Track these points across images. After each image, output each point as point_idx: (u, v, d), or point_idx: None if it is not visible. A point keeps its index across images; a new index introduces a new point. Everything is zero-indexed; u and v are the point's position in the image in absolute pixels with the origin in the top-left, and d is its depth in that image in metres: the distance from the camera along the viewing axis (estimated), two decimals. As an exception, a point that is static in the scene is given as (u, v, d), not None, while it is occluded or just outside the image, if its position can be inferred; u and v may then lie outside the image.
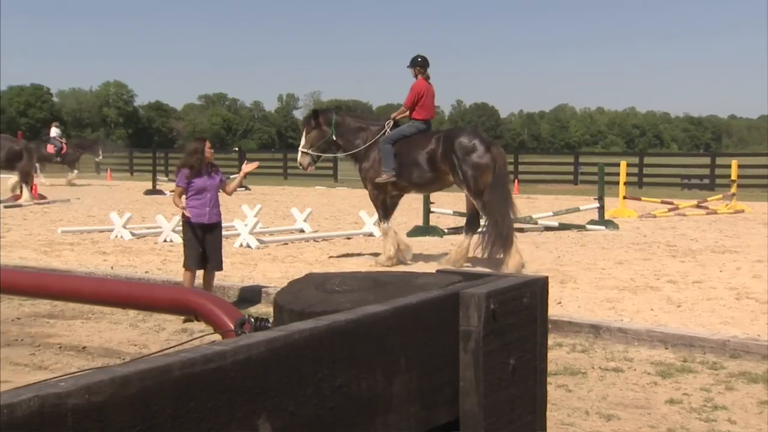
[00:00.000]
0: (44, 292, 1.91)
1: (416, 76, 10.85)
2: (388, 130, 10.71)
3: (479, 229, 10.35)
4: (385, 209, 10.87)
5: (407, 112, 10.89)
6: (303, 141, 11.19)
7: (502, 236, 9.76)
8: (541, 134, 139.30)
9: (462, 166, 10.01)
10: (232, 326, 1.66)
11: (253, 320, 1.64)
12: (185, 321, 7.49)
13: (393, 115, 11.06)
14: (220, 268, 8.37)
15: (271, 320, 1.63)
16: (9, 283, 1.84)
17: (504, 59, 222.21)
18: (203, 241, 8.11)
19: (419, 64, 10.84)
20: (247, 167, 9.30)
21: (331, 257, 11.33)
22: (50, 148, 29.15)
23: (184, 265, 8.25)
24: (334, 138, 11.02)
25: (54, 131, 29.94)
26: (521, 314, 1.65)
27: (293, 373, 1.11)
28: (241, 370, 1.03)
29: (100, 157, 31.68)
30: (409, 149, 10.43)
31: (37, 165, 29.99)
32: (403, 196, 11.29)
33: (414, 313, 1.41)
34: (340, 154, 11.66)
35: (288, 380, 1.11)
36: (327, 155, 12.44)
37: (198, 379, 0.98)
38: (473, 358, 1.52)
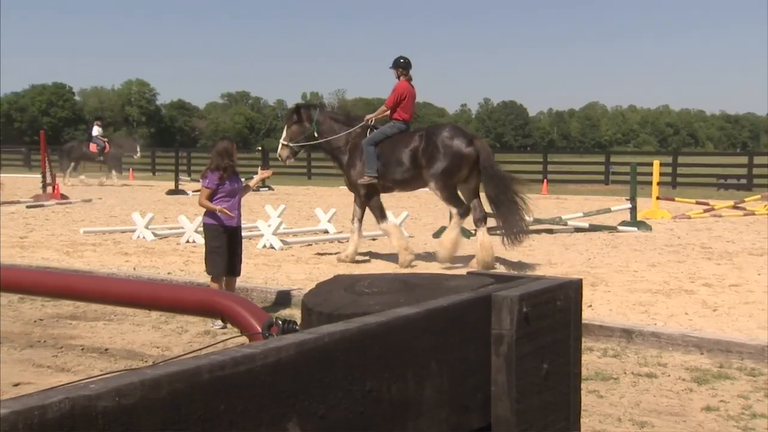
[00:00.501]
0: (69, 292, 1.93)
1: (398, 77, 11.13)
2: (368, 130, 11.02)
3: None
4: (381, 209, 11.14)
5: (387, 113, 11.15)
6: (284, 134, 11.64)
7: (514, 229, 10.03)
8: (570, 133, 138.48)
9: (439, 159, 10.30)
10: (259, 329, 1.67)
11: (280, 323, 1.65)
12: (223, 326, 7.45)
13: (369, 116, 11.29)
14: (240, 273, 8.24)
15: (298, 323, 1.64)
16: (34, 284, 1.87)
17: (533, 56, 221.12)
18: (229, 246, 7.92)
19: (402, 66, 11.10)
20: (262, 173, 9.31)
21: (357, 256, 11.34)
22: (93, 147, 29.44)
23: (210, 273, 7.93)
24: (315, 135, 11.33)
25: (96, 130, 30.21)
26: (554, 318, 1.64)
27: (323, 377, 1.11)
28: (271, 373, 1.03)
29: (138, 155, 32.04)
30: (392, 149, 10.71)
31: (74, 164, 30.41)
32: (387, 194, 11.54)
33: (445, 316, 1.41)
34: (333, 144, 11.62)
35: (318, 384, 1.11)
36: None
37: (227, 382, 0.98)
38: (505, 362, 1.51)
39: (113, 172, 30.38)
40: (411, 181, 10.85)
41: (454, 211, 10.62)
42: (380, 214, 11.04)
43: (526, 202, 10.27)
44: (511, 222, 10.04)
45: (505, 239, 10.15)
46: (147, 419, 0.89)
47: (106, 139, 30.05)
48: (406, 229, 14.27)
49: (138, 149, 31.72)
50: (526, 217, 10.31)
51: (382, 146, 10.74)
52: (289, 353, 1.07)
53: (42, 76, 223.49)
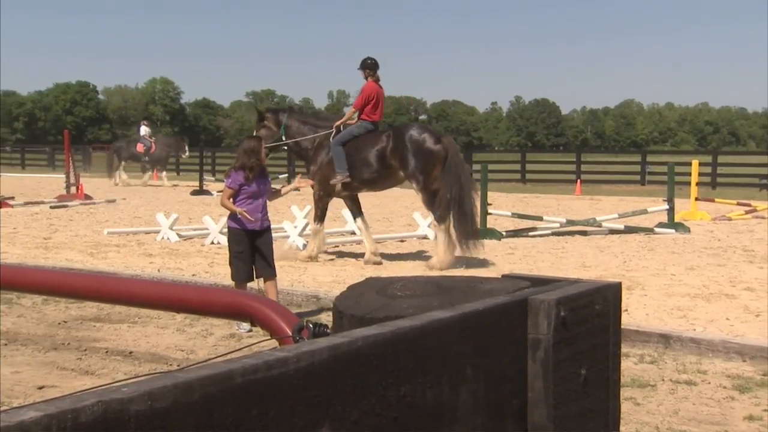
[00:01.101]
0: (96, 294, 1.95)
1: (366, 78, 11.37)
2: (335, 132, 11.27)
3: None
4: (324, 211, 11.43)
5: (356, 115, 11.40)
6: None
7: (467, 231, 10.24)
8: (605, 132, 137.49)
9: (412, 158, 10.54)
10: (289, 332, 1.68)
11: (311, 326, 1.65)
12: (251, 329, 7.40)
13: (338, 123, 11.46)
14: (275, 274, 7.98)
15: (329, 326, 1.64)
16: (63, 285, 1.89)
17: (566, 52, 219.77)
18: (254, 250, 7.72)
19: (369, 67, 11.39)
20: (300, 183, 9.27)
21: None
22: (140, 147, 29.72)
23: (234, 278, 7.80)
24: (284, 139, 11.60)
25: (143, 130, 30.48)
26: (593, 322, 1.63)
27: (357, 382, 1.12)
28: (304, 378, 1.04)
29: (186, 155, 32.37)
30: (360, 149, 10.94)
31: (124, 164, 30.78)
32: (355, 195, 11.72)
33: (480, 320, 1.41)
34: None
35: (351, 388, 1.11)
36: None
37: (260, 386, 0.99)
38: (542, 367, 1.50)
39: (164, 174, 30.56)
40: (379, 181, 11.12)
41: (431, 214, 10.93)
42: (320, 215, 11.38)
43: (475, 217, 10.63)
44: (466, 227, 10.28)
45: (461, 243, 10.33)
46: (179, 423, 0.90)
47: (153, 139, 30.24)
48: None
49: (186, 149, 32.03)
50: (474, 230, 10.56)
51: (349, 146, 10.99)
52: (322, 357, 1.07)
53: (66, 75, 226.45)
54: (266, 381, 0.99)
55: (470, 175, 11.04)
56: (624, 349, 6.81)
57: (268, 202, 8.02)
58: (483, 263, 10.96)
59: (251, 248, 7.70)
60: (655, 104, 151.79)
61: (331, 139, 11.15)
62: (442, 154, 10.43)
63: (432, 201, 10.59)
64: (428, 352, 1.27)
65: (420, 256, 11.91)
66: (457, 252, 10.47)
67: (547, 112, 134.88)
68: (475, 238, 10.36)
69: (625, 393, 5.63)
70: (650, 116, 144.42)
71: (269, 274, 7.81)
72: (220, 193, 8.70)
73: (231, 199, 7.71)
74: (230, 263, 7.83)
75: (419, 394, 1.24)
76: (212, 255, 11.90)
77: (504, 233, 14.10)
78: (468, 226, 10.26)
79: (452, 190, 10.28)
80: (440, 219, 10.48)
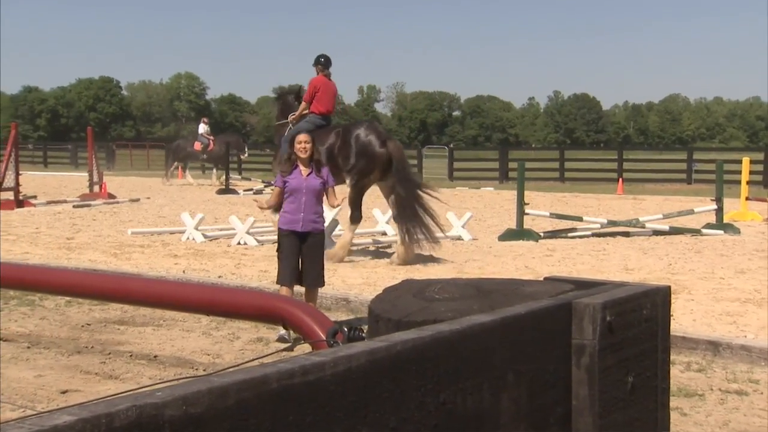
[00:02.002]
0: (125, 296, 1.97)
1: (318, 74, 12.09)
2: (291, 126, 11.82)
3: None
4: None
5: (307, 108, 12.02)
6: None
7: (414, 236, 10.75)
8: (648, 128, 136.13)
9: (354, 157, 11.06)
10: (323, 336, 1.68)
11: (346, 330, 1.66)
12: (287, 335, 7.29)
13: (292, 117, 12.12)
14: (320, 284, 7.60)
15: (365, 330, 1.65)
16: (90, 287, 1.91)
17: (606, 45, 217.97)
18: (299, 253, 7.41)
19: (320, 63, 12.15)
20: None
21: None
22: (197, 146, 29.95)
23: (277, 281, 7.58)
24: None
25: (202, 128, 30.69)
26: (640, 327, 1.62)
27: (395, 387, 1.12)
28: (341, 383, 1.05)
29: (246, 155, 32.62)
30: None
31: (181, 164, 31.07)
32: None
33: (523, 325, 1.41)
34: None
35: (390, 394, 1.12)
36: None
37: (296, 392, 0.99)
38: (587, 374, 1.50)
39: (214, 172, 30.78)
40: None
41: (350, 214, 11.40)
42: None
43: (432, 213, 10.98)
44: (411, 230, 10.78)
45: (417, 240, 10.89)
46: (214, 428, 0.91)
47: (212, 137, 30.29)
48: (470, 230, 14.23)
49: (246, 149, 32.23)
50: (432, 227, 10.99)
51: None
52: (359, 362, 1.08)
53: (88, 70, 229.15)
54: (302, 386, 1.00)
55: (417, 181, 11.59)
56: (670, 356, 6.75)
57: (324, 203, 7.64)
58: (515, 266, 10.92)
59: (296, 251, 7.39)
60: (702, 99, 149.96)
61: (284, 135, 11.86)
62: (385, 157, 10.95)
63: (358, 201, 11.33)
64: (469, 357, 1.27)
65: (454, 257, 11.89)
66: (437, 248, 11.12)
67: (587, 108, 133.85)
68: (432, 235, 10.88)
69: (671, 403, 5.57)
70: (697, 111, 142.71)
71: (309, 283, 7.48)
72: (248, 193, 8.70)
73: (279, 198, 7.57)
74: (278, 265, 7.65)
75: (459, 400, 1.24)
76: (239, 256, 11.97)
77: (542, 234, 14.02)
78: (421, 224, 10.78)
79: (406, 190, 10.86)
80: (396, 217, 11.12)
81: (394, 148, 11.11)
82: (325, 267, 7.70)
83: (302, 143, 7.48)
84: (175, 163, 31.10)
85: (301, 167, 7.50)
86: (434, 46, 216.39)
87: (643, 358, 1.62)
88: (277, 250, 7.56)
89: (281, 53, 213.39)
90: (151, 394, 0.88)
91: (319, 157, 7.75)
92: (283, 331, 7.08)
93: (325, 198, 7.80)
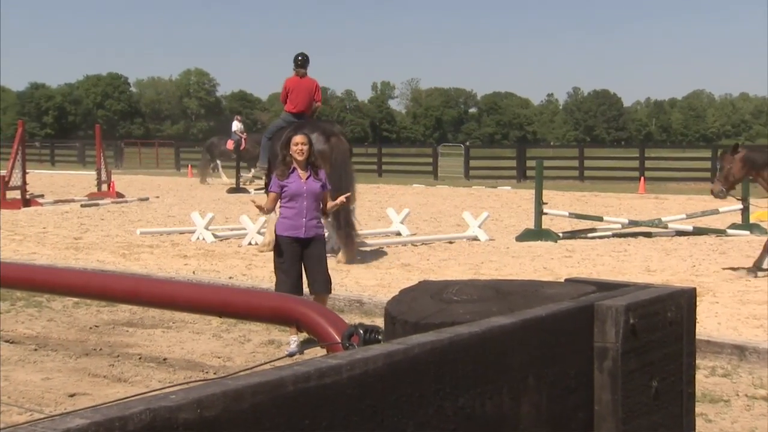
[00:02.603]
0: (136, 297, 1.98)
1: (293, 74, 13.07)
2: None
3: None
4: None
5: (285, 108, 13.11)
6: None
7: (340, 230, 11.33)
8: (671, 125, 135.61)
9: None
10: (338, 338, 1.69)
11: (362, 332, 1.66)
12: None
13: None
14: (328, 291, 7.39)
15: (381, 332, 1.65)
16: (101, 288, 1.93)
17: (627, 39, 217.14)
18: (301, 261, 7.21)
19: (296, 63, 13.10)
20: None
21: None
22: (230, 144, 29.71)
23: (276, 291, 7.06)
24: None
25: (235, 125, 30.30)
26: (665, 330, 1.61)
27: (413, 391, 1.12)
28: (358, 386, 1.05)
29: None
30: (275, 143, 12.01)
31: (219, 162, 31.07)
32: None
33: (543, 327, 1.40)
34: None
35: (407, 399, 1.12)
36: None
37: (312, 395, 1.00)
38: (610, 378, 1.49)
39: (252, 171, 30.59)
40: None
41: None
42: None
43: (352, 214, 11.64)
44: (341, 228, 11.41)
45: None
46: (229, 432, 0.91)
47: (244, 135, 29.81)
48: (487, 230, 14.22)
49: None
50: (356, 227, 11.73)
51: (275, 139, 12.06)
52: (376, 365, 1.08)
53: (96, 67, 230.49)
54: (318, 390, 1.00)
55: (351, 176, 12.06)
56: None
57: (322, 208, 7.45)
58: (533, 268, 10.90)
59: (298, 259, 7.19)
60: (727, 95, 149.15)
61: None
62: (327, 153, 11.33)
63: None
64: (488, 360, 1.27)
65: (471, 258, 11.88)
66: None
67: (608, 105, 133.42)
68: (348, 240, 11.46)
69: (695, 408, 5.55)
70: (722, 108, 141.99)
71: (319, 290, 7.25)
72: (259, 191, 8.64)
73: (273, 203, 7.44)
74: (275, 274, 7.45)
75: (478, 405, 1.24)
76: (250, 256, 12.01)
77: (561, 234, 14.00)
78: (343, 222, 11.36)
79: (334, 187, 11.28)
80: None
81: (336, 144, 11.63)
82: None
83: (299, 145, 7.25)
84: (216, 162, 30.86)
85: (299, 170, 7.29)
86: (450, 41, 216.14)
87: (667, 362, 1.62)
88: (276, 258, 7.31)
89: (294, 49, 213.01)
90: (165, 397, 0.88)
91: (315, 160, 7.52)
92: (293, 347, 6.94)
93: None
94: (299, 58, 13.10)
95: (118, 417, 0.83)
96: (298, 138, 7.33)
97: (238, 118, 31.47)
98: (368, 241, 13.43)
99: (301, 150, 7.25)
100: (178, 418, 0.86)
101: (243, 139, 29.37)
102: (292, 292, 6.89)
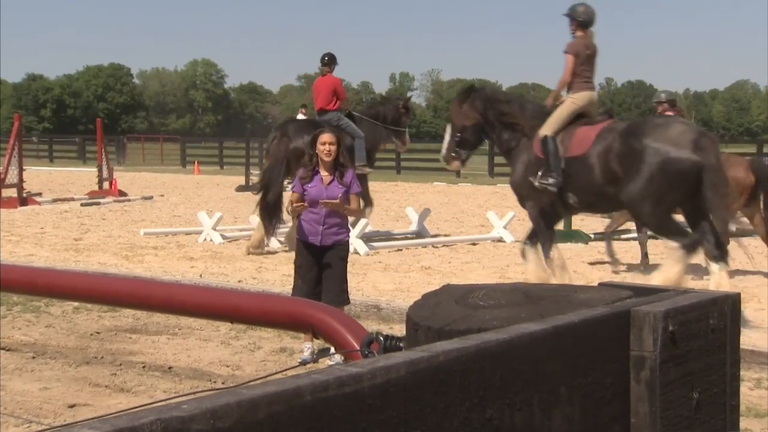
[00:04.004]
0: (143, 302, 2.00)
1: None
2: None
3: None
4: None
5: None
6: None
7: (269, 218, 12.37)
8: (712, 118, 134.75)
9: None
10: (357, 346, 1.70)
11: (381, 339, 1.67)
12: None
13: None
14: (344, 302, 7.17)
15: (402, 339, 1.66)
16: (107, 292, 1.94)
17: (664, 26, 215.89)
18: (319, 267, 7.15)
19: (322, 62, 14.01)
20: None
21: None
22: None
23: (292, 296, 6.95)
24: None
25: (300, 117, 30.20)
26: (707, 338, 1.61)
27: (438, 401, 1.13)
28: (380, 396, 1.05)
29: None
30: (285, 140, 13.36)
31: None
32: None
33: (576, 334, 1.41)
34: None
35: (432, 409, 1.12)
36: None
37: (331, 405, 1.00)
38: (648, 389, 1.49)
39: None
40: None
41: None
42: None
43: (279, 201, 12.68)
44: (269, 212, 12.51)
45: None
46: (243, 445, 0.92)
47: None
48: (513, 231, 14.19)
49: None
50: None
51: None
52: (399, 374, 1.08)
53: (97, 57, 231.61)
54: (338, 399, 1.01)
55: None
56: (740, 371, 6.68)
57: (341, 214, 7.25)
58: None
59: (315, 266, 7.13)
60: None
61: None
62: (299, 151, 11.89)
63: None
64: (517, 369, 1.27)
65: (496, 260, 11.86)
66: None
67: (643, 96, 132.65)
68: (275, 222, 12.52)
69: (740, 423, 5.52)
70: None
71: (331, 301, 6.80)
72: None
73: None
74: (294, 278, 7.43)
75: (507, 417, 1.25)
76: (260, 259, 12.05)
77: (592, 236, 13.96)
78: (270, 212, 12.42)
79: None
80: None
81: (281, 138, 12.86)
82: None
83: (326, 144, 7.05)
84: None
85: (323, 173, 7.12)
86: (473, 29, 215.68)
87: (709, 373, 1.61)
88: (295, 261, 7.35)
89: (306, 39, 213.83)
90: (177, 407, 0.89)
91: (344, 161, 7.31)
92: (306, 354, 6.92)
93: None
94: (325, 57, 14.01)
95: (128, 428, 0.84)
96: (326, 137, 7.11)
97: (303, 111, 30.91)
98: (386, 243, 13.45)
99: (329, 150, 7.06)
100: (190, 429, 0.87)
101: None
102: (308, 296, 6.82)
